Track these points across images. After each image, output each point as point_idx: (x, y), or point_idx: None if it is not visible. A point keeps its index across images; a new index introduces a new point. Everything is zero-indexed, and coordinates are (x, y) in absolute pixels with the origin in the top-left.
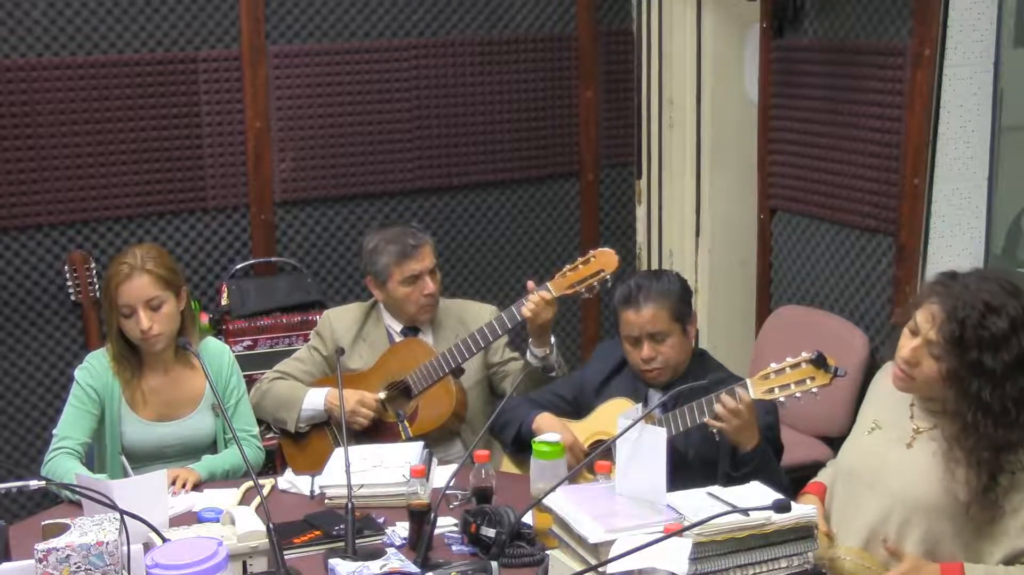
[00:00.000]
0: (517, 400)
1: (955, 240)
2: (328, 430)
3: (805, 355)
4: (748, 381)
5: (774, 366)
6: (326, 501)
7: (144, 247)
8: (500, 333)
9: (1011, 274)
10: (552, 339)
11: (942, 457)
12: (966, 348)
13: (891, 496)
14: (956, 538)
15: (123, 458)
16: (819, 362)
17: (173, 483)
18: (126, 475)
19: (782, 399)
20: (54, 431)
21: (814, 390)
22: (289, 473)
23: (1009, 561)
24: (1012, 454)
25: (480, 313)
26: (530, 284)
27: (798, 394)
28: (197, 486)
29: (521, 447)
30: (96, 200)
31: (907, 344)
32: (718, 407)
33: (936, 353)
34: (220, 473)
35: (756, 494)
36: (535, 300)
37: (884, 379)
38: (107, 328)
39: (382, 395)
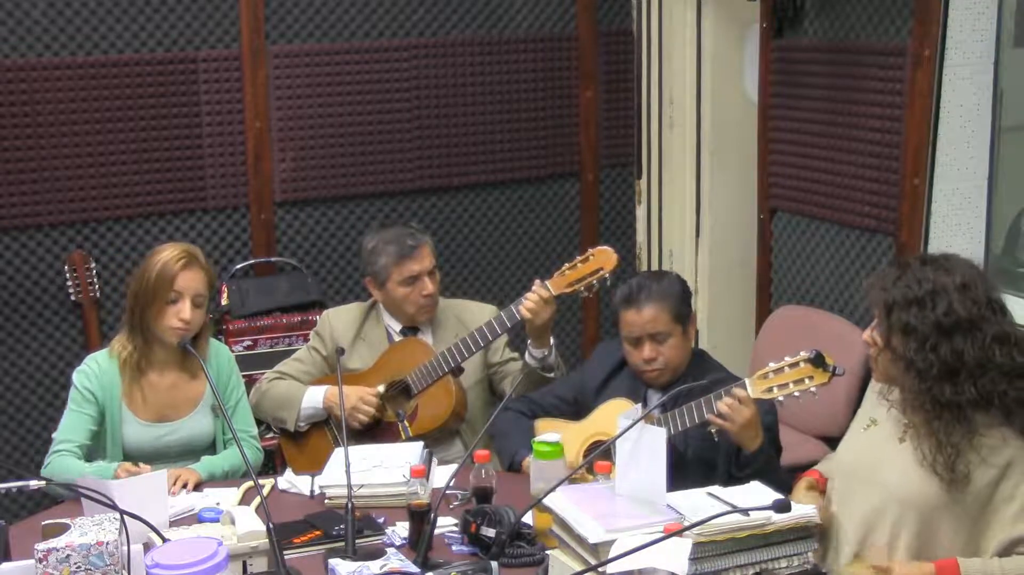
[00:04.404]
0: (512, 416)
1: (955, 240)
2: (328, 430)
3: (803, 354)
4: (747, 381)
5: (773, 365)
6: (326, 501)
7: (192, 246)
8: (500, 332)
9: (1011, 273)
10: (551, 340)
11: (919, 439)
12: (893, 310)
13: (885, 491)
14: (952, 530)
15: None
16: (817, 361)
17: (173, 483)
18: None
19: (781, 399)
20: (53, 435)
21: (813, 389)
22: (289, 473)
23: (1004, 551)
24: (961, 420)
25: (480, 313)
26: (537, 283)
27: (797, 393)
28: (197, 486)
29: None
30: (96, 200)
31: (866, 330)
32: (721, 405)
33: (877, 325)
34: (220, 473)
35: (756, 494)
36: (533, 299)
37: None
38: (133, 316)
39: (381, 388)
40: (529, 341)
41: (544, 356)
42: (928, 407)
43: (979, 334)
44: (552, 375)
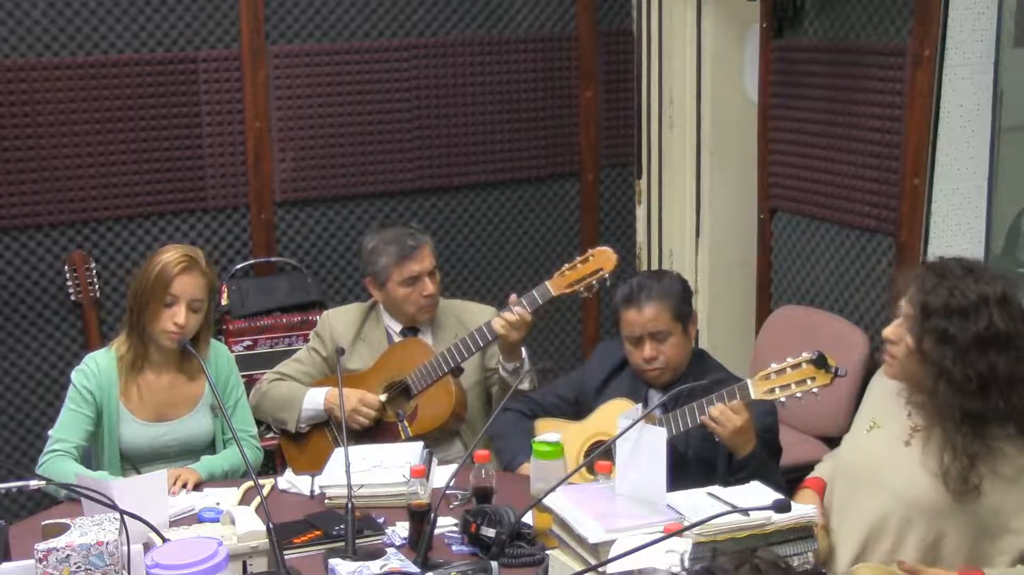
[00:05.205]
0: (512, 417)
1: (955, 240)
2: (328, 430)
3: (805, 355)
4: (749, 381)
5: (774, 366)
6: (326, 501)
7: (196, 249)
8: None
9: (1011, 273)
10: (524, 353)
11: (930, 444)
12: (931, 315)
13: (890, 494)
14: (958, 536)
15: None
16: (820, 362)
17: (173, 483)
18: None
19: (783, 399)
20: (49, 433)
21: (815, 390)
22: (289, 473)
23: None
24: (980, 432)
25: (480, 314)
26: (512, 298)
27: (799, 394)
28: (197, 486)
29: None
30: (96, 200)
31: (890, 325)
32: (713, 410)
33: (909, 325)
34: (220, 473)
35: (756, 494)
36: (511, 318)
37: (882, 378)
38: (130, 317)
39: (383, 397)
40: (500, 356)
41: (516, 368)
42: (956, 417)
43: (1013, 349)
44: (525, 387)
